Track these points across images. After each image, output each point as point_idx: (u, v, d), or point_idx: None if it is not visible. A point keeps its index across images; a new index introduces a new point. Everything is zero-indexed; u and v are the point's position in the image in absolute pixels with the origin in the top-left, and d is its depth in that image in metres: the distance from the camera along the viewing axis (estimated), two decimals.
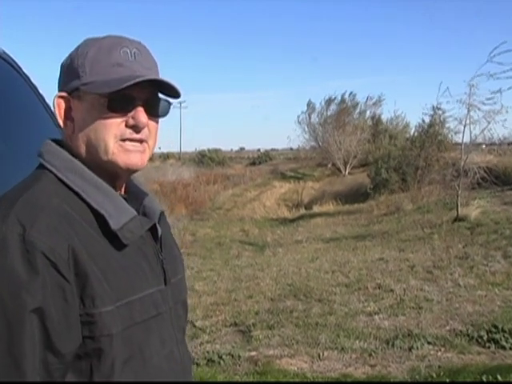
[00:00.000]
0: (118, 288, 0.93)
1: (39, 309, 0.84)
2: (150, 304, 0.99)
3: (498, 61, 10.68)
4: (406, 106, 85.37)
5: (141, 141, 1.01)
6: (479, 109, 11.24)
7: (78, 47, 1.03)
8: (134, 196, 1.10)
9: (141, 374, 0.96)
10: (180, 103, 53.67)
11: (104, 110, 0.97)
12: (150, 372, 0.98)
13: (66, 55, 1.04)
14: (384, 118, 33.84)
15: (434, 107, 17.17)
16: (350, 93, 36.15)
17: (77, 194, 0.96)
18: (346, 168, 29.85)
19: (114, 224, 0.96)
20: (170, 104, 1.07)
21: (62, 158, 0.99)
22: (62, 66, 1.04)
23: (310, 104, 36.86)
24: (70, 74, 1.01)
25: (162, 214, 1.13)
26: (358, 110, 35.60)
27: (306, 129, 36.91)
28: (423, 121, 18.69)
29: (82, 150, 1.00)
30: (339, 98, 35.50)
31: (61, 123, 1.03)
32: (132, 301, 0.95)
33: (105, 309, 0.90)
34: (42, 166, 1.00)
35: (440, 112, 17.03)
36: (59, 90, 1.03)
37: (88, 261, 0.90)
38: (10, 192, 0.96)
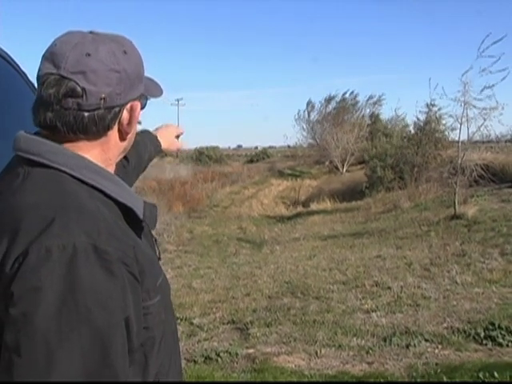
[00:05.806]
0: (154, 275, 0.96)
1: (125, 315, 0.83)
2: (166, 284, 1.03)
3: (489, 54, 10.69)
4: (409, 105, 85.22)
5: None
6: (474, 106, 11.26)
7: (134, 50, 0.99)
8: None
9: (168, 352, 1.00)
10: (178, 101, 53.57)
11: (139, 111, 1.02)
12: (169, 349, 1.02)
13: (123, 59, 0.95)
14: (384, 116, 34.03)
15: (427, 104, 17.21)
16: (351, 92, 36.29)
17: (100, 190, 0.93)
18: (343, 166, 29.88)
19: (140, 214, 0.97)
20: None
21: (69, 156, 0.92)
22: (128, 71, 0.96)
23: (309, 103, 37.02)
24: (137, 79, 0.99)
25: None
26: (356, 108, 35.73)
27: (304, 126, 37.02)
28: (418, 118, 18.75)
29: (117, 152, 1.01)
30: (339, 96, 35.66)
31: (132, 130, 1.01)
32: (160, 284, 0.98)
33: (156, 299, 0.93)
34: (37, 165, 0.91)
35: (435, 109, 17.08)
36: (125, 97, 0.96)
37: (140, 257, 0.90)
38: (42, 200, 0.86)
